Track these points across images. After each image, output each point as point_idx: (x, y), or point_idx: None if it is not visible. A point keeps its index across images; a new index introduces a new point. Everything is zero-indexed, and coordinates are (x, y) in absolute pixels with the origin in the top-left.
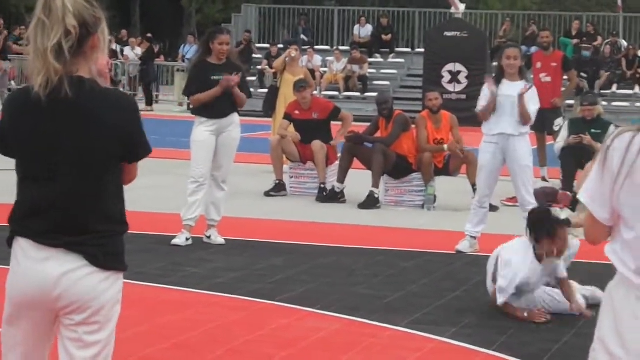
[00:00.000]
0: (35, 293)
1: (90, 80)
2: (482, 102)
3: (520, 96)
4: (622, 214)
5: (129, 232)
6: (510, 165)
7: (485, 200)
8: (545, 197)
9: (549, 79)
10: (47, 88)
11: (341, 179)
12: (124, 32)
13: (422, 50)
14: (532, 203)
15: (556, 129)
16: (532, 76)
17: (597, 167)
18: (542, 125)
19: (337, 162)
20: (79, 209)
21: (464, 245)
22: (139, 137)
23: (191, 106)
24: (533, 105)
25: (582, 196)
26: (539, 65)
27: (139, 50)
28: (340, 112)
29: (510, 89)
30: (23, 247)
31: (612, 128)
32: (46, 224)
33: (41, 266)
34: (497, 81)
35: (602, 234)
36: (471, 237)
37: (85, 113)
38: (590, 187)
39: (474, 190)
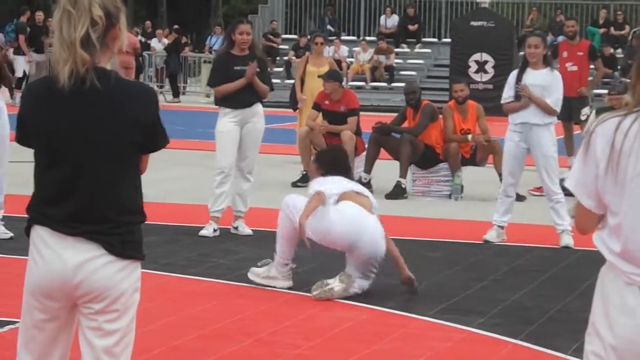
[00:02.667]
0: (54, 282)
1: (113, 72)
2: (506, 93)
3: (521, 91)
4: (606, 200)
5: (158, 222)
6: (534, 155)
7: (510, 190)
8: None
9: (575, 68)
10: (71, 78)
11: (368, 169)
12: (148, 23)
13: (449, 40)
14: (558, 193)
15: (583, 118)
16: (558, 65)
17: (581, 153)
18: (569, 115)
19: (365, 153)
20: (98, 198)
21: (491, 235)
22: (159, 127)
23: (215, 97)
24: (556, 92)
25: (568, 184)
26: (565, 54)
27: (165, 42)
28: (351, 121)
29: (534, 77)
30: (41, 236)
31: (586, 109)
32: (65, 212)
33: (60, 255)
34: (522, 70)
35: (591, 222)
36: (498, 226)
37: (109, 103)
38: (574, 174)
39: (501, 179)
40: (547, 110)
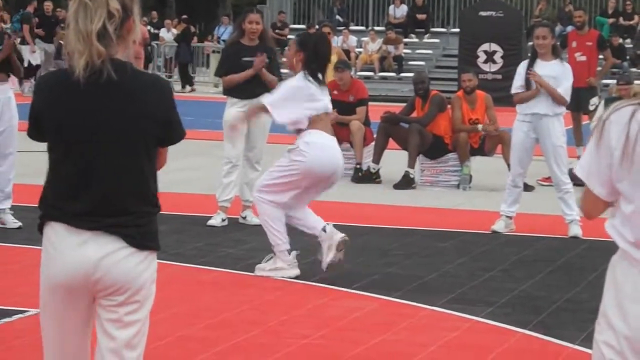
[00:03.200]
0: (74, 277)
1: (129, 64)
2: (517, 83)
3: (531, 76)
4: (620, 188)
5: (166, 212)
6: (543, 145)
7: (518, 180)
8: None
9: (584, 58)
10: (87, 70)
11: (377, 159)
12: (154, 13)
13: (457, 30)
14: (567, 183)
15: (591, 108)
16: (567, 55)
17: (593, 141)
18: (578, 105)
19: (373, 143)
20: (118, 190)
21: (499, 225)
22: (176, 119)
23: (223, 87)
24: (566, 81)
25: (578, 171)
26: (574, 44)
27: (174, 32)
28: (360, 111)
29: (544, 68)
30: (57, 232)
31: (594, 99)
32: (84, 206)
33: (79, 250)
34: (532, 61)
35: (599, 208)
36: (507, 217)
37: (126, 95)
38: (586, 162)
39: (510, 169)
40: (557, 98)
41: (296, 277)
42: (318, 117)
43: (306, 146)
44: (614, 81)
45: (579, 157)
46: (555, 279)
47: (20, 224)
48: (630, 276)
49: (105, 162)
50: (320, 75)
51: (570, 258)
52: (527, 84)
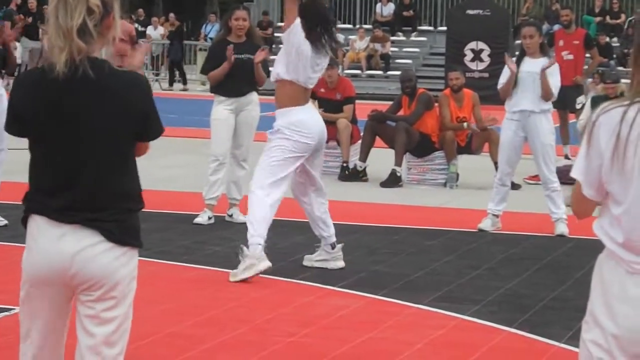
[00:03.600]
0: (52, 270)
1: (106, 62)
2: (502, 80)
3: (542, 71)
4: (610, 190)
5: (152, 210)
6: (532, 144)
7: (506, 178)
8: (569, 175)
9: (571, 57)
10: (67, 66)
11: (363, 157)
12: (140, 10)
13: (445, 28)
14: (554, 181)
15: (578, 107)
16: (554, 54)
17: (584, 143)
18: (564, 103)
19: (360, 141)
20: (97, 185)
21: (486, 224)
22: (154, 116)
23: (210, 85)
24: (552, 77)
25: (574, 173)
26: (561, 43)
27: (161, 30)
28: (347, 109)
29: (532, 65)
30: (39, 225)
31: (581, 98)
32: (64, 201)
33: (58, 243)
34: (520, 59)
35: (588, 209)
36: (493, 215)
37: (105, 92)
38: (579, 164)
39: (497, 168)
40: (544, 89)
41: (282, 275)
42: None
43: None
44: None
45: (565, 156)
46: (542, 277)
47: (6, 222)
48: (617, 275)
49: (83, 159)
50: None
51: (557, 256)
52: (515, 80)
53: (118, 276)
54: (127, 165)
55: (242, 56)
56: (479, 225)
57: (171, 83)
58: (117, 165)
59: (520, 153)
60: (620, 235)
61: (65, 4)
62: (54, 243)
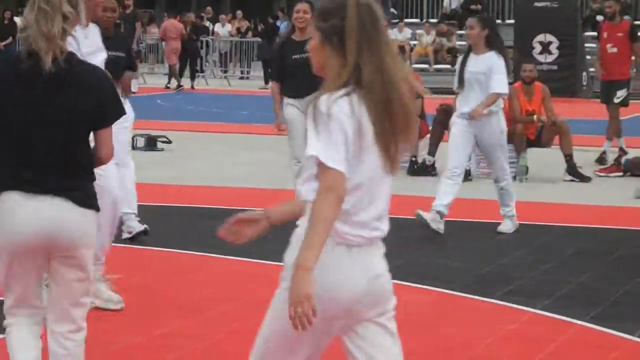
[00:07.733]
0: (30, 237)
1: (75, 56)
2: (455, 82)
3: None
4: None
5: (217, 206)
6: (480, 143)
7: (456, 172)
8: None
9: (615, 49)
10: (54, 64)
11: (432, 151)
12: (208, 8)
13: (512, 21)
14: (506, 179)
15: (616, 101)
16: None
17: None
18: (609, 97)
19: (428, 135)
20: (62, 160)
21: (506, 226)
22: (113, 100)
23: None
24: (495, 74)
25: None
26: (605, 35)
27: (229, 27)
28: (415, 104)
29: (475, 63)
30: (13, 198)
31: (621, 92)
32: (34, 175)
33: (34, 212)
34: (466, 56)
35: None
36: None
37: (72, 79)
38: None
39: (567, 161)
40: (492, 103)
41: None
42: None
43: None
44: None
45: (620, 149)
46: (614, 270)
47: None
48: None
49: (49, 139)
50: None
51: (628, 249)
52: (461, 80)
53: (90, 236)
54: (86, 142)
55: (299, 56)
56: (498, 228)
57: (267, 81)
58: (79, 142)
59: (469, 151)
60: None
61: (45, 14)
62: (30, 212)
